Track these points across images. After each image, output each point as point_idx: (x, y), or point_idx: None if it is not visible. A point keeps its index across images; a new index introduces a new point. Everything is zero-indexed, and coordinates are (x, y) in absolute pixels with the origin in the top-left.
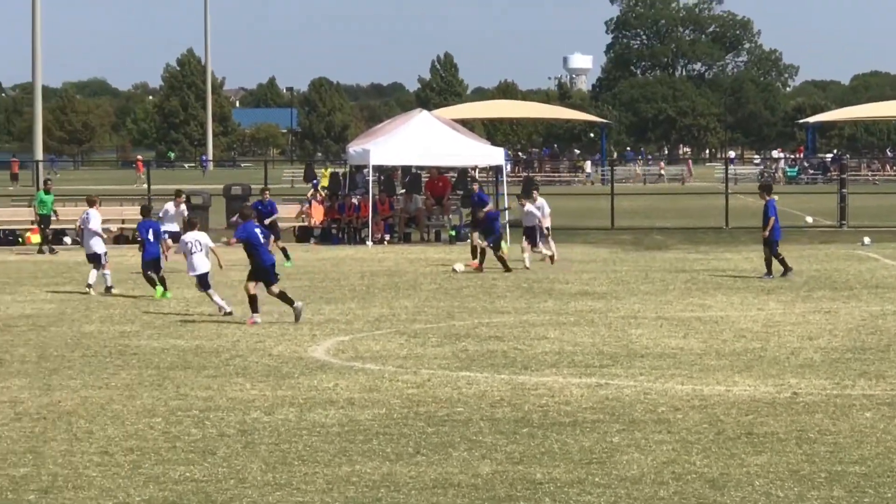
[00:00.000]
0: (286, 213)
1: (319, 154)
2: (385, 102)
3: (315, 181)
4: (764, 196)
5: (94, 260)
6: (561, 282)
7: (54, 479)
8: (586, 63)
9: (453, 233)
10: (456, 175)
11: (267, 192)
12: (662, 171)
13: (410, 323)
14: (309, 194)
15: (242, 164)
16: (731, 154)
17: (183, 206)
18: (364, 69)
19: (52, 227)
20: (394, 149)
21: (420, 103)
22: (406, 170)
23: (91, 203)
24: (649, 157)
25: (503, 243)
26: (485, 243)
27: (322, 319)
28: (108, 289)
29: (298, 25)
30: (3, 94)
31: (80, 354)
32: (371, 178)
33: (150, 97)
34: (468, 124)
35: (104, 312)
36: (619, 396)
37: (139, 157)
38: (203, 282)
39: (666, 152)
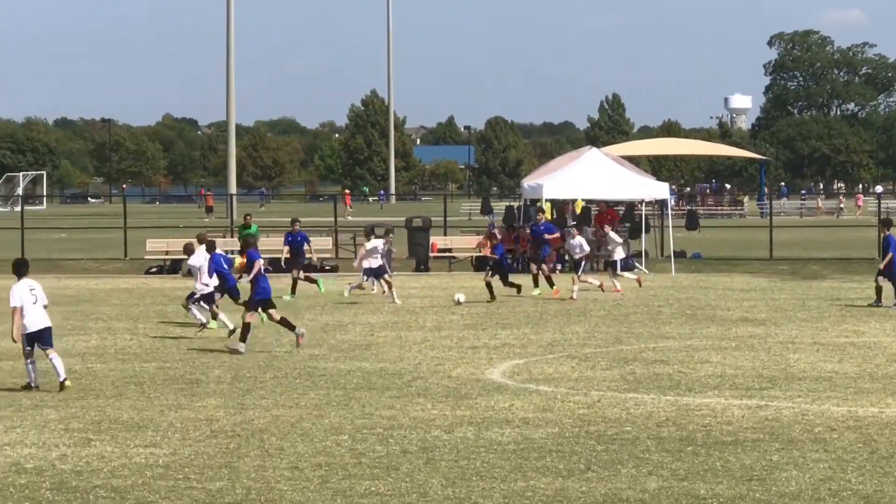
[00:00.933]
0: (466, 244)
1: (495, 188)
2: (556, 140)
3: (492, 214)
4: (884, 230)
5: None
6: (723, 308)
7: (248, 493)
8: (746, 103)
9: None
10: (623, 208)
11: (297, 224)
12: (820, 205)
13: (581, 347)
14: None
15: (423, 198)
16: (879, 189)
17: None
18: (537, 109)
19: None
20: (565, 183)
21: (589, 141)
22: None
23: (201, 242)
24: (803, 191)
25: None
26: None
27: (498, 343)
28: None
29: (475, 68)
30: (200, 132)
31: (271, 376)
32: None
33: (337, 135)
34: (634, 161)
35: (294, 337)
36: (778, 417)
37: (347, 191)
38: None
39: (821, 187)
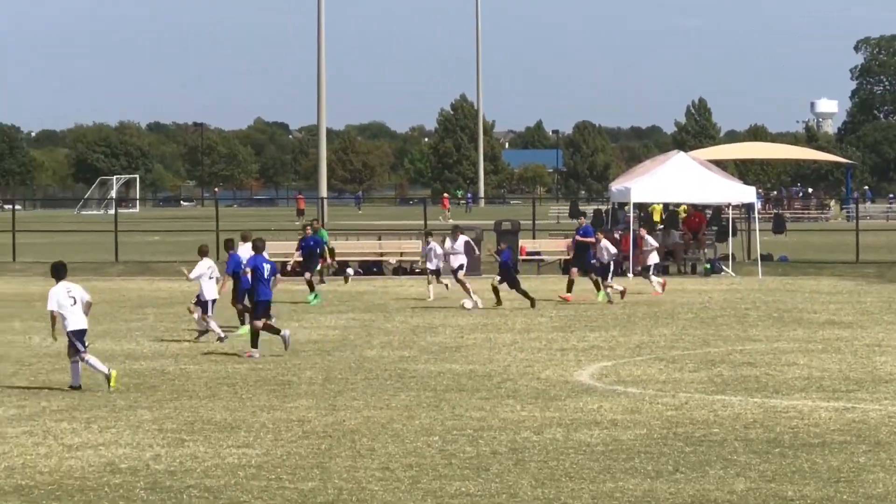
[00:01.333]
0: (554, 247)
1: (583, 192)
2: (644, 144)
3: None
4: None
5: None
6: (809, 311)
7: (339, 493)
8: (832, 107)
9: (708, 266)
10: (711, 212)
11: (311, 228)
12: None
13: (669, 350)
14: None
15: (511, 202)
16: None
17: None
18: (624, 113)
19: (335, 259)
20: (653, 187)
21: (676, 145)
22: (664, 206)
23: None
24: (890, 195)
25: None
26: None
27: (586, 346)
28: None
29: (564, 72)
30: (291, 136)
31: (362, 377)
32: (632, 215)
33: (426, 139)
34: (721, 164)
35: (384, 339)
36: (864, 419)
37: (445, 194)
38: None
39: None
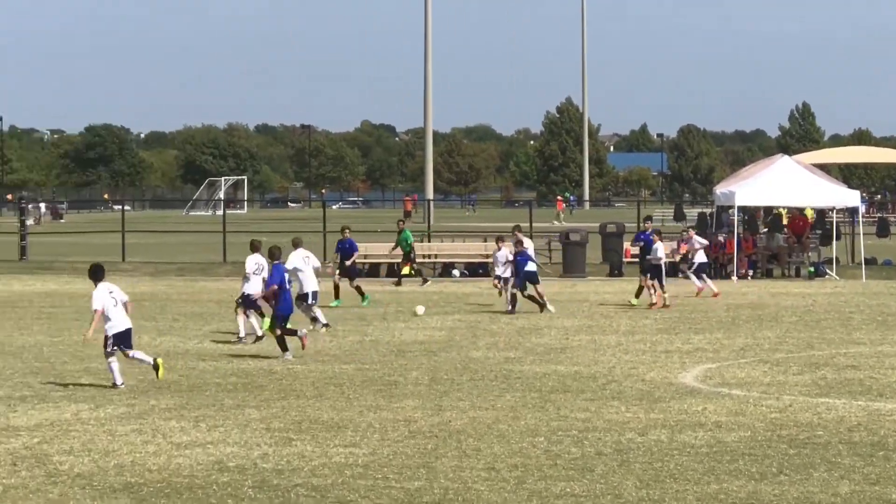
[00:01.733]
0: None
1: (687, 195)
2: (748, 148)
3: (685, 220)
4: None
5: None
6: None
7: (445, 493)
8: None
9: (812, 269)
10: (815, 215)
11: (347, 231)
12: None
13: (773, 352)
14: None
15: (616, 204)
16: None
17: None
18: (728, 117)
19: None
20: (757, 190)
21: (780, 149)
22: (768, 210)
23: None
24: None
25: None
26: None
27: (691, 348)
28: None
29: (668, 76)
30: (397, 138)
31: (467, 378)
32: (736, 218)
33: (532, 142)
34: (825, 168)
35: (490, 340)
36: None
37: (560, 196)
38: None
39: None
